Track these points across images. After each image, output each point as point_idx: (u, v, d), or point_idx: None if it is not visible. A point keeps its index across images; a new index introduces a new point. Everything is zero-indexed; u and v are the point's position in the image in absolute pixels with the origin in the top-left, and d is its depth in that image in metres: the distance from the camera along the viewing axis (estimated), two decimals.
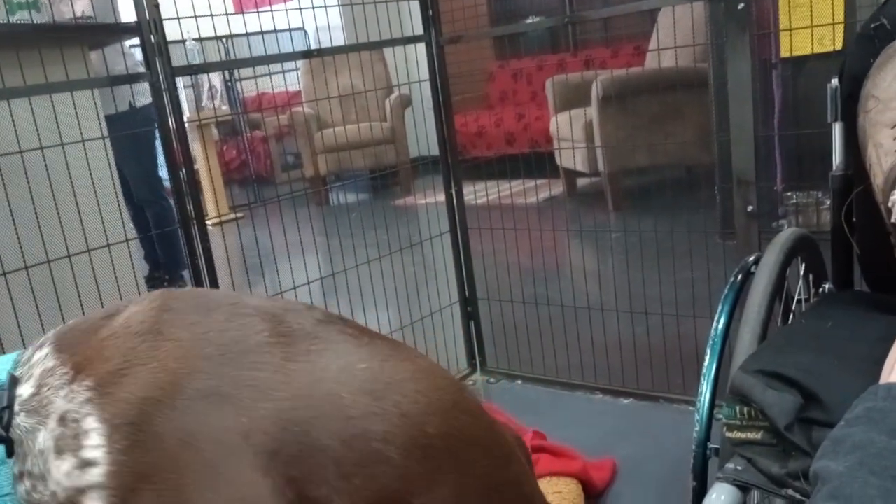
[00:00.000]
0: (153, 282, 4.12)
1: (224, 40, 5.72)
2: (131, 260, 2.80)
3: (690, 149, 4.21)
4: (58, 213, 2.10)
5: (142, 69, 3.46)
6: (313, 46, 6.63)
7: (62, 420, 0.87)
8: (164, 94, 1.83)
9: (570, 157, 4.77)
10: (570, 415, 2.27)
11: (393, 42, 2.44)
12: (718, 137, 3.24)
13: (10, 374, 0.93)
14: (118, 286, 2.14)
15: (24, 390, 0.92)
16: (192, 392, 0.87)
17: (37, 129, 2.07)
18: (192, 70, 1.99)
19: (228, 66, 2.13)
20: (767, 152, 3.26)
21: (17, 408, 0.90)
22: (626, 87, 4.33)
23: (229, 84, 6.18)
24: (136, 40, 1.96)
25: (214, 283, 2.03)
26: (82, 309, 2.09)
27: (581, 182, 5.11)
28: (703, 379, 1.10)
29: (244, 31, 2.36)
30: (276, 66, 5.23)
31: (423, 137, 3.25)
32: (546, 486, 1.77)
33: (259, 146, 7.03)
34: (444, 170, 2.52)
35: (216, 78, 5.77)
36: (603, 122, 4.36)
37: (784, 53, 2.94)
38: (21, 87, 1.79)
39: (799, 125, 3.15)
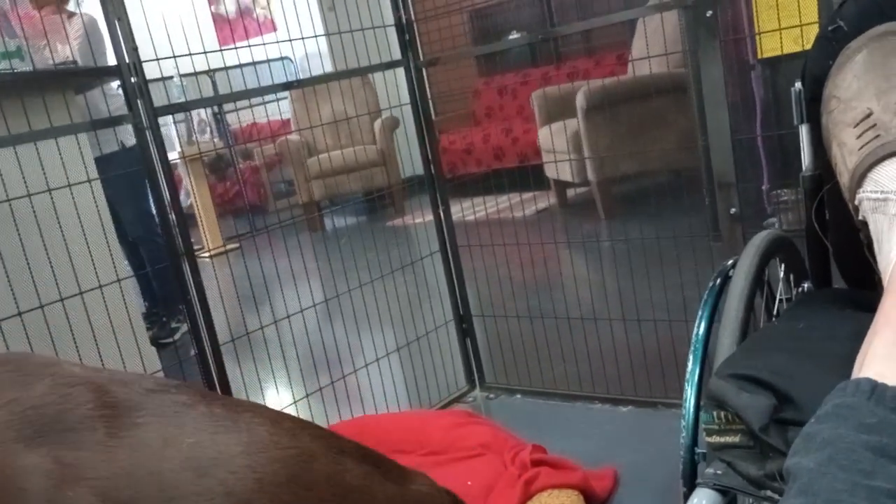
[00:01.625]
0: (151, 317, 4.14)
1: (211, 74, 5.77)
2: (123, 299, 2.82)
3: (677, 154, 4.24)
4: (48, 257, 2.12)
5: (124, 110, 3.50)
6: (300, 74, 6.68)
7: None
8: (147, 133, 1.85)
9: (559, 168, 4.79)
10: (570, 425, 2.28)
11: (373, 68, 2.47)
12: (702, 141, 3.27)
13: None
14: (112, 326, 2.15)
15: None
16: (7, 479, 0.84)
17: (23, 177, 2.09)
18: (174, 109, 2.01)
19: (210, 102, 2.16)
20: (752, 153, 3.28)
21: None
22: (609, 97, 4.36)
23: (218, 117, 6.22)
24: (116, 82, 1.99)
25: (208, 317, 2.05)
26: (77, 351, 2.10)
27: (571, 192, 5.14)
28: (686, 385, 1.11)
29: (229, 65, 2.38)
30: (265, 97, 5.28)
31: (413, 158, 3.29)
32: (547, 499, 1.78)
33: (251, 176, 7.07)
34: (430, 189, 2.54)
35: (205, 112, 5.82)
36: (589, 131, 4.39)
37: (761, 55, 2.98)
38: (5, 136, 1.81)
39: (780, 125, 3.18)
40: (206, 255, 5.31)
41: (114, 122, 2.03)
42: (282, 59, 6.81)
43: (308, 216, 5.93)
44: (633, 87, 4.31)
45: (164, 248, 4.06)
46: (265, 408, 1.11)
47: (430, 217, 2.58)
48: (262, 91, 2.31)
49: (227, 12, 7.43)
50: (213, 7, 7.60)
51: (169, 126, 5.43)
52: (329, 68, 6.37)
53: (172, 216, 1.92)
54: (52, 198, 2.23)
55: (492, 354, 2.63)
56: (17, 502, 0.83)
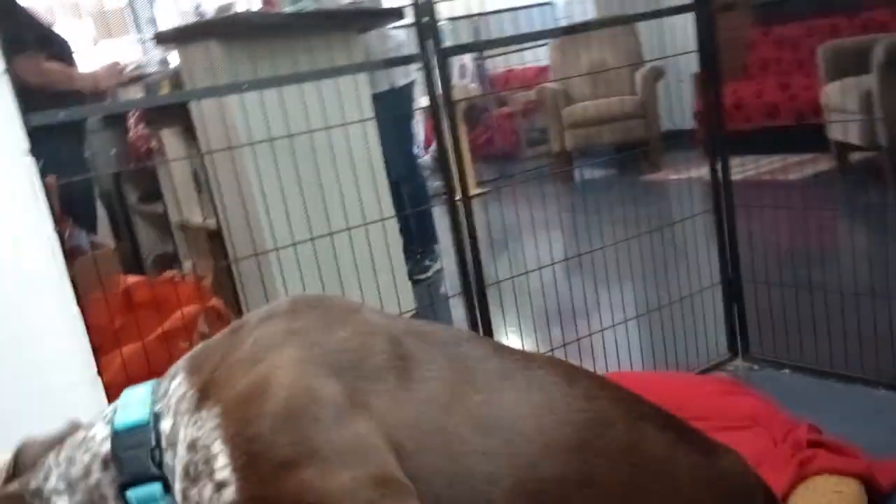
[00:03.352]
0: (407, 253, 4.27)
1: (474, 19, 5.80)
2: (386, 237, 2.93)
3: None
4: (321, 192, 2.21)
5: (404, 51, 3.59)
6: (562, 21, 6.56)
7: (192, 447, 0.88)
8: (433, 73, 1.86)
9: (843, 129, 4.34)
10: (847, 410, 2.05)
11: (661, 12, 2.32)
12: None
13: (153, 412, 0.95)
14: (373, 262, 2.21)
15: (166, 425, 0.94)
16: (309, 414, 0.85)
17: (305, 113, 2.18)
18: (460, 50, 2.02)
19: (494, 44, 2.16)
20: None
21: (163, 444, 0.92)
22: None
23: (479, 62, 6.27)
24: (399, 23, 2.01)
25: (477, 259, 2.05)
26: (340, 283, 2.20)
27: (855, 157, 4.64)
28: None
29: (494, 9, 2.35)
30: (526, 43, 5.21)
31: (674, 111, 3.11)
32: (824, 483, 1.61)
33: (505, 123, 7.09)
34: (709, 144, 2.37)
35: (466, 56, 5.87)
36: (884, 90, 3.92)
37: None
38: (308, 71, 1.90)
39: None
40: (457, 198, 5.40)
41: (404, 61, 2.06)
42: (545, 4, 6.73)
43: (560, 169, 5.85)
44: None
45: (425, 188, 4.23)
46: (562, 364, 1.06)
47: (691, 174, 2.41)
48: (538, 35, 2.25)
49: None
50: None
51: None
52: (592, 16, 6.18)
53: (452, 157, 1.93)
54: (329, 135, 2.33)
55: (760, 324, 2.43)
56: (308, 417, 0.85)
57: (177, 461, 0.90)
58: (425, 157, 5.48)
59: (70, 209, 2.86)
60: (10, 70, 1.55)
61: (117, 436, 0.93)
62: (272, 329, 0.96)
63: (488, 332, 2.16)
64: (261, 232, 2.61)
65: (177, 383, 0.96)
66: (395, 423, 0.87)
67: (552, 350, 2.34)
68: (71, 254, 1.71)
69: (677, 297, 2.47)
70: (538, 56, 6.77)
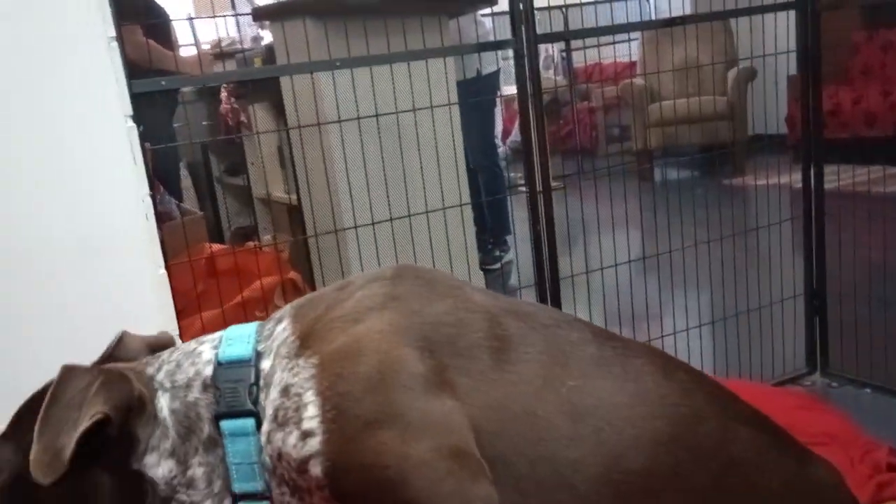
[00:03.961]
0: (479, 243, 4.27)
1: (563, 9, 5.73)
2: (463, 224, 2.92)
3: None
4: (403, 174, 2.22)
5: (490, 37, 3.56)
6: (653, 15, 6.43)
7: (285, 392, 0.91)
8: (525, 60, 1.85)
9: None
10: None
11: (765, 8, 2.25)
12: None
13: (257, 350, 0.98)
14: (449, 247, 2.22)
15: (265, 364, 0.96)
16: (399, 381, 0.87)
17: (394, 94, 2.19)
18: (555, 37, 2.01)
19: (587, 34, 2.12)
20: None
21: (261, 382, 0.95)
22: None
23: (564, 54, 6.20)
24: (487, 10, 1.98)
25: (553, 251, 2.04)
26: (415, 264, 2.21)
27: None
28: None
29: (586, 1, 2.32)
30: (615, 36, 5.14)
31: (767, 114, 3.01)
32: None
33: (586, 117, 7.01)
34: (801, 150, 2.30)
35: (553, 46, 5.80)
36: None
37: None
38: (400, 52, 1.91)
39: None
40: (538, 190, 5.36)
41: (496, 46, 2.06)
42: None
43: (641, 166, 5.75)
44: None
45: (503, 178, 4.22)
46: (661, 355, 1.05)
47: (780, 180, 2.34)
48: (634, 27, 2.21)
49: None
50: None
51: (509, 60, 5.52)
52: (689, 10, 6.03)
53: (536, 147, 1.91)
54: (415, 117, 2.33)
55: (843, 339, 2.35)
56: (398, 384, 0.87)
57: (269, 402, 0.93)
58: (502, 148, 5.47)
59: (158, 175, 2.95)
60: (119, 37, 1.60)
61: (220, 366, 0.97)
62: (375, 291, 0.99)
63: None
64: (341, 209, 2.65)
65: (281, 328, 0.99)
66: (479, 403, 0.88)
67: None
68: (160, 218, 1.76)
69: (756, 306, 2.41)
70: (627, 51, 6.66)
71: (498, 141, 4.58)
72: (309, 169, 2.74)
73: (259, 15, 3.00)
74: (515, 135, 6.81)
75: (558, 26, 5.77)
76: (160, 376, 0.99)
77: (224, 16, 4.10)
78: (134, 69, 1.66)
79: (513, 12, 1.85)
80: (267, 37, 3.84)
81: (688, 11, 5.82)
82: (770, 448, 1.00)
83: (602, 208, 2.45)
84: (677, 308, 2.53)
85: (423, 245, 2.22)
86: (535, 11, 1.88)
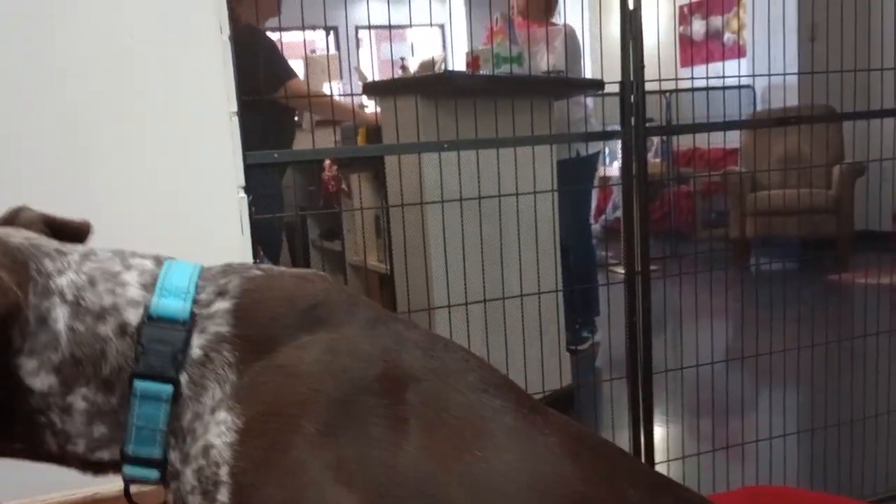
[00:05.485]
0: (567, 323, 4.22)
1: (667, 95, 5.74)
2: (557, 309, 2.89)
3: None
4: (501, 255, 2.23)
5: (592, 120, 3.57)
6: (758, 104, 6.36)
7: (206, 452, 0.82)
8: (632, 150, 1.85)
9: None
10: None
11: (870, 114, 2.21)
12: None
13: (193, 314, 0.86)
14: (540, 329, 2.20)
15: (196, 345, 0.85)
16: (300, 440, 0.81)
17: (498, 178, 2.21)
18: (662, 131, 1.99)
19: (694, 129, 2.11)
20: None
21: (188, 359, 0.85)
22: None
23: (665, 140, 6.17)
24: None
25: (648, 342, 2.00)
26: (505, 346, 2.19)
27: None
28: None
29: (689, 87, 2.31)
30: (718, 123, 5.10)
31: (872, 210, 2.92)
32: None
33: (683, 201, 6.92)
34: None
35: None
36: None
37: None
38: (507, 137, 1.93)
39: None
40: (622, 270, 5.30)
41: (605, 136, 2.07)
42: (741, 87, 6.55)
43: (737, 255, 5.63)
44: None
45: (594, 257, 4.19)
46: (574, 434, 0.95)
47: (877, 279, 2.25)
48: (740, 125, 2.19)
49: (692, 33, 7.34)
50: (681, 27, 7.56)
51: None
52: (793, 102, 5.96)
53: (637, 235, 1.90)
54: (517, 200, 2.35)
55: None
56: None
57: (191, 458, 0.84)
58: (595, 225, 5.44)
59: (259, 238, 3.02)
60: (241, 111, 1.67)
61: (150, 321, 0.85)
62: (317, 340, 0.88)
63: (649, 419, 2.09)
64: (433, 285, 2.66)
65: (223, 309, 0.88)
66: (381, 474, 0.82)
67: (712, 452, 2.23)
68: None
69: (860, 416, 2.29)
70: (728, 137, 6.59)
71: (591, 219, 4.57)
72: (405, 243, 2.78)
73: (370, 89, 3.09)
74: (609, 213, 6.78)
75: (663, 109, 5.76)
76: (61, 280, 0.85)
77: (341, 95, 4.23)
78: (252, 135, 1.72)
79: (623, 103, 1.86)
80: (370, 106, 3.95)
81: (794, 104, 5.75)
82: None
83: (696, 294, 2.39)
84: (774, 411, 2.43)
85: (515, 326, 2.21)
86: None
